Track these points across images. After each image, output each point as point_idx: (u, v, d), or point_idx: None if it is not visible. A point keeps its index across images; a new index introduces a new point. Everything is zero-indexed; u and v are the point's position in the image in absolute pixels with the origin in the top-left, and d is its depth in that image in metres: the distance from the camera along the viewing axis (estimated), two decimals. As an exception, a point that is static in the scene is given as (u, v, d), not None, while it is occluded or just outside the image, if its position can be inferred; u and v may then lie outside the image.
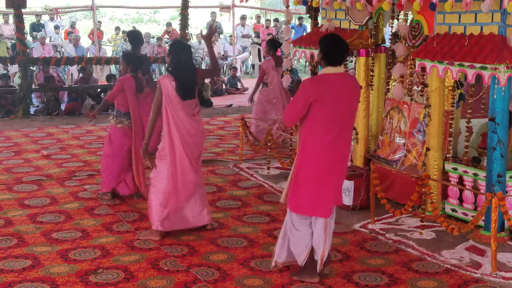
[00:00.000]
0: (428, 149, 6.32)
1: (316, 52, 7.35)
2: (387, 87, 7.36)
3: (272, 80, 9.59)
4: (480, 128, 6.76)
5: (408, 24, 6.65)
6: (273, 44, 9.86)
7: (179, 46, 5.95)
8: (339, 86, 4.69)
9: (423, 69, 6.02)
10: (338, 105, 4.66)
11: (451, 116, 6.51)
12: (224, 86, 15.53)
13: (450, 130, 6.44)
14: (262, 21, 20.97)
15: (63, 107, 12.70)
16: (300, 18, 19.87)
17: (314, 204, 4.76)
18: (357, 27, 7.14)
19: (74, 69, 15.91)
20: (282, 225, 5.04)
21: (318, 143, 4.68)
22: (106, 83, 13.53)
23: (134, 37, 8.91)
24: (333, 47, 4.73)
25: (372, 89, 7.46)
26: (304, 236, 4.85)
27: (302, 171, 4.76)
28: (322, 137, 4.67)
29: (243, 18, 20.08)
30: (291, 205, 4.86)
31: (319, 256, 4.85)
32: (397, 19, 7.08)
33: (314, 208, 4.77)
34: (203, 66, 18.19)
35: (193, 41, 18.52)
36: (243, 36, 19.66)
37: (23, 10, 12.20)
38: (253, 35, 20.03)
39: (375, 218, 6.24)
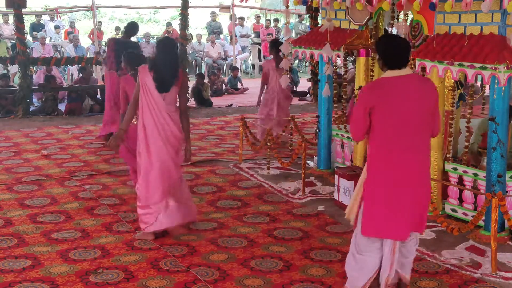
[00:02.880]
0: (428, 149, 6.31)
1: (316, 52, 7.38)
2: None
3: (271, 81, 9.59)
4: (481, 124, 6.73)
5: (408, 24, 6.64)
6: (276, 45, 9.87)
7: (165, 41, 6.00)
8: (405, 90, 4.15)
9: (423, 69, 6.02)
10: (404, 111, 4.12)
11: (451, 116, 6.51)
12: (224, 86, 15.53)
13: (450, 130, 6.44)
14: (262, 21, 20.97)
15: (62, 107, 12.70)
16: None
17: (382, 225, 4.22)
18: (357, 27, 7.14)
19: (74, 69, 15.92)
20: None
21: (383, 156, 4.15)
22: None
23: (131, 27, 9.69)
24: (392, 48, 4.21)
25: (372, 89, 7.45)
26: (367, 262, 4.37)
27: (368, 189, 4.24)
28: (389, 149, 4.15)
29: (241, 18, 20.09)
30: (361, 227, 4.31)
31: (383, 279, 4.40)
32: (397, 19, 7.09)
33: (382, 229, 4.24)
34: (203, 66, 18.24)
35: (193, 41, 18.52)
36: (242, 36, 19.66)
37: (23, 10, 12.20)
38: (252, 35, 20.03)
39: (375, 218, 6.23)
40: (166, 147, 5.77)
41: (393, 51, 4.21)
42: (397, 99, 4.13)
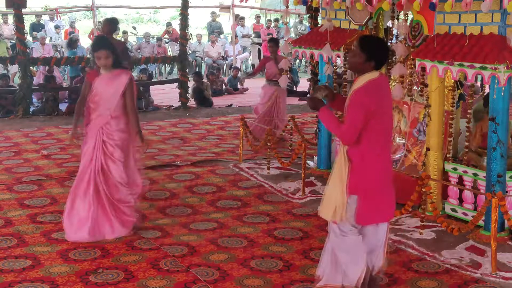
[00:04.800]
0: (428, 149, 6.32)
1: (316, 52, 7.38)
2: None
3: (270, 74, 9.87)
4: (477, 106, 6.72)
5: (408, 24, 6.65)
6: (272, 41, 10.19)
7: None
8: (388, 90, 4.37)
9: (423, 69, 6.03)
10: (391, 111, 4.41)
11: (451, 116, 6.52)
12: (224, 86, 15.52)
13: (450, 130, 6.44)
14: (262, 21, 20.97)
15: (62, 107, 12.69)
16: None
17: (378, 212, 4.41)
18: (357, 27, 7.14)
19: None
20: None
21: (380, 156, 4.30)
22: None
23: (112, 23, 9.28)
24: (385, 51, 4.34)
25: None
26: (359, 244, 4.40)
27: (363, 185, 4.32)
28: (383, 149, 4.32)
29: (242, 18, 20.09)
30: (358, 218, 4.35)
31: (377, 267, 4.51)
32: (397, 19, 7.09)
33: (378, 215, 4.43)
34: (203, 66, 18.24)
35: (193, 41, 18.52)
36: (243, 36, 19.67)
37: (23, 10, 12.20)
38: (252, 35, 20.04)
39: (375, 218, 6.23)
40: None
41: (386, 53, 4.33)
42: (387, 100, 4.31)
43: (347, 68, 4.68)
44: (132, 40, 19.57)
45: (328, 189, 4.46)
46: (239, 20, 19.97)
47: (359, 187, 4.30)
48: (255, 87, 11.96)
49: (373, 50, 4.24)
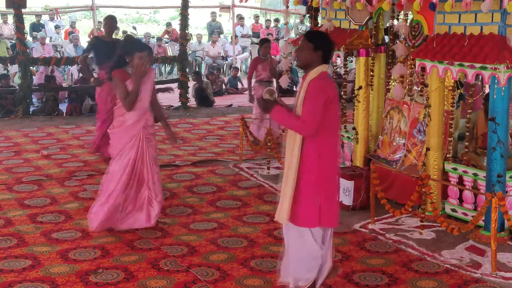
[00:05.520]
0: (428, 149, 6.32)
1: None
2: (387, 87, 7.36)
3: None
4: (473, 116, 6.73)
5: (408, 24, 6.65)
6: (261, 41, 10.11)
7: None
8: (335, 84, 4.52)
9: (423, 69, 6.03)
10: (338, 105, 4.51)
11: (451, 116, 6.52)
12: (224, 86, 15.52)
13: (450, 130, 6.44)
14: (261, 21, 20.96)
15: (62, 107, 12.69)
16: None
17: (335, 214, 4.40)
18: (357, 27, 7.14)
19: (74, 69, 15.91)
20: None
21: (334, 149, 4.36)
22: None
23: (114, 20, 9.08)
24: (333, 45, 4.47)
25: (372, 89, 7.46)
26: (320, 252, 4.45)
27: (322, 183, 4.31)
28: (336, 143, 4.39)
29: (241, 18, 20.08)
30: (322, 220, 4.34)
31: (326, 272, 4.54)
32: (397, 19, 7.09)
33: (335, 218, 4.41)
34: (203, 66, 18.24)
35: (193, 41, 18.52)
36: (243, 36, 19.67)
37: (23, 10, 12.20)
38: (251, 35, 20.03)
39: (375, 218, 6.24)
40: None
41: (331, 45, 4.42)
42: (336, 92, 4.38)
43: (297, 65, 4.74)
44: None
45: (282, 191, 4.43)
46: (239, 19, 19.97)
47: (321, 185, 4.30)
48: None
49: (319, 40, 4.36)
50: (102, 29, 19.96)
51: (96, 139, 8.67)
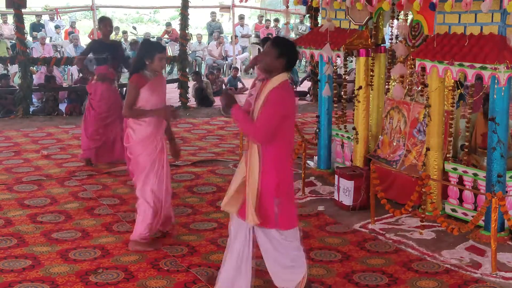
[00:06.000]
0: (428, 149, 6.32)
1: (316, 52, 7.38)
2: (387, 87, 7.36)
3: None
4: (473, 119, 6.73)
5: (408, 24, 6.65)
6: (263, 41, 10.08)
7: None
8: (294, 94, 4.53)
9: (423, 69, 6.03)
10: (295, 115, 4.50)
11: (451, 116, 6.51)
12: (224, 86, 15.51)
13: (450, 130, 6.44)
14: (262, 21, 20.97)
15: (62, 107, 12.69)
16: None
17: (295, 215, 4.54)
18: (357, 27, 7.14)
19: (74, 69, 15.91)
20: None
21: (290, 154, 4.48)
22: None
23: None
24: (297, 54, 4.49)
25: (372, 89, 7.47)
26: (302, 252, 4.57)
27: (283, 186, 4.40)
28: (292, 148, 4.55)
29: (242, 18, 20.09)
30: (283, 224, 4.40)
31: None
32: (397, 19, 7.09)
33: (295, 218, 4.52)
34: (203, 66, 18.23)
35: (193, 41, 18.51)
36: (243, 36, 19.67)
37: (23, 10, 12.19)
38: (253, 35, 20.02)
39: (375, 218, 6.24)
40: None
41: (295, 54, 4.43)
42: (294, 104, 4.41)
43: (259, 69, 4.78)
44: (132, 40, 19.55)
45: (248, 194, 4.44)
46: (240, 19, 19.96)
47: (281, 189, 4.36)
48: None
49: (284, 47, 4.35)
50: (98, 31, 20.03)
51: (88, 148, 8.39)
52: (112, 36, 20.02)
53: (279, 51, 4.32)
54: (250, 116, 4.38)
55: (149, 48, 5.67)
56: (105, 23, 8.55)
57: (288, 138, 4.40)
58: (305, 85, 14.94)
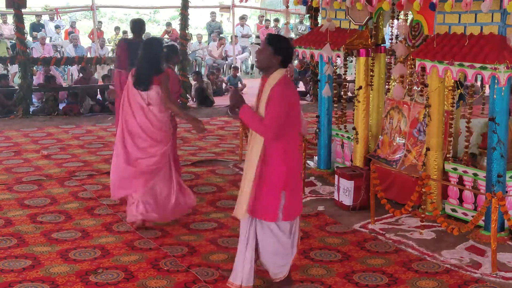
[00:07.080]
0: (428, 149, 6.32)
1: (316, 52, 7.38)
2: (387, 87, 7.36)
3: None
4: (482, 127, 6.75)
5: (408, 24, 6.65)
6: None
7: (150, 41, 6.22)
8: (295, 87, 4.67)
9: (423, 69, 6.03)
10: (299, 107, 4.60)
11: (451, 116, 6.51)
12: (224, 86, 15.52)
13: (450, 130, 6.44)
14: (264, 21, 20.97)
15: (62, 107, 12.69)
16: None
17: (298, 206, 4.64)
18: (357, 27, 7.15)
19: (74, 69, 15.91)
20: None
21: (296, 145, 4.53)
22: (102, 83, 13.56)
23: (136, 26, 8.56)
24: (292, 51, 4.60)
25: (372, 89, 7.47)
26: (289, 243, 4.64)
27: (291, 179, 4.47)
28: (298, 139, 4.57)
29: (243, 18, 20.09)
30: (284, 216, 4.49)
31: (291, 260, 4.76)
32: (397, 19, 7.09)
33: (298, 209, 4.64)
34: (203, 66, 18.24)
35: (193, 41, 18.51)
36: (243, 36, 19.67)
37: (23, 10, 12.19)
38: (253, 35, 20.01)
39: (375, 218, 6.24)
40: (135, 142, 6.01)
41: (290, 51, 4.53)
42: (297, 96, 4.55)
43: (256, 66, 4.83)
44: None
45: (244, 187, 4.55)
46: (241, 19, 19.96)
47: (287, 182, 4.44)
48: (255, 87, 11.94)
49: (279, 44, 4.42)
50: (101, 29, 20.00)
51: None
52: (112, 36, 20.19)
53: (274, 49, 4.39)
54: (257, 114, 4.44)
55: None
56: (141, 25, 8.47)
57: (294, 131, 4.46)
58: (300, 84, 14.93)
